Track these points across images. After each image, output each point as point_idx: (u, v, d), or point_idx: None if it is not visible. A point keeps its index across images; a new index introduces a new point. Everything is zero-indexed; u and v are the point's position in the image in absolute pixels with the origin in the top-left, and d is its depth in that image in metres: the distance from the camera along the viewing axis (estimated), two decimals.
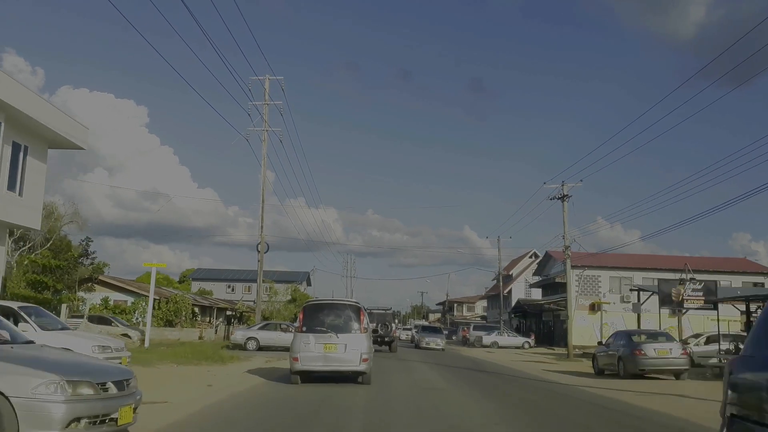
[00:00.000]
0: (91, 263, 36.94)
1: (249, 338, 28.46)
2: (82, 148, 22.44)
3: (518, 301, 59.64)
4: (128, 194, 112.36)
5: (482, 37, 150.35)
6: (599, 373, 19.87)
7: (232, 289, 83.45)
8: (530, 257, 70.70)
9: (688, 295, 22.69)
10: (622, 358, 17.59)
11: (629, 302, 46.06)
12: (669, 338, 18.18)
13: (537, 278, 60.04)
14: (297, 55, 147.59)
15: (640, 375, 17.41)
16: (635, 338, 18.10)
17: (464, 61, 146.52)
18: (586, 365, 25.52)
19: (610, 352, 18.93)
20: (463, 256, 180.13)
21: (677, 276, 46.60)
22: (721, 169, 68.77)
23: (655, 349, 17.01)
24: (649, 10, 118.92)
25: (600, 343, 20.36)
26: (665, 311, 44.76)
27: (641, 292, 33.27)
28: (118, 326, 28.76)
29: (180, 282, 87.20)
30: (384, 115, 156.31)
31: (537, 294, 61.26)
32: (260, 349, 27.71)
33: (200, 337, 34.37)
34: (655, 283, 42.66)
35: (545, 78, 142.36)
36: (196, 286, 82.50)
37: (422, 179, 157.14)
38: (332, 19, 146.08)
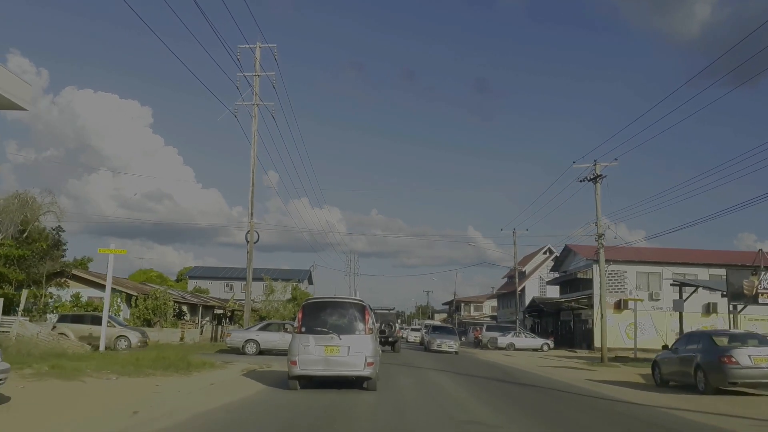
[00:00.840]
0: (62, 256, 32.88)
1: (248, 341, 24.37)
2: (23, 109, 18.53)
3: (533, 300, 55.46)
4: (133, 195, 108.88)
5: (488, 37, 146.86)
6: (662, 384, 15.78)
7: (231, 288, 79.69)
8: (544, 253, 66.60)
9: (764, 288, 18.49)
10: (703, 367, 13.45)
11: (658, 299, 41.99)
12: (763, 341, 14.00)
13: (553, 275, 55.89)
14: (301, 55, 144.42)
15: (723, 390, 13.30)
16: (718, 341, 13.93)
17: (470, 62, 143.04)
18: (629, 372, 21.47)
19: (678, 358, 14.84)
20: (468, 257, 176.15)
21: (711, 270, 43.04)
22: (729, 169, 65.36)
23: (749, 356, 12.85)
24: (656, 11, 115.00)
25: (665, 347, 16.19)
26: (698, 309, 40.83)
27: (683, 288, 29.01)
28: (114, 326, 24.73)
29: (177, 281, 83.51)
30: (388, 116, 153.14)
31: (552, 292, 57.19)
32: (261, 353, 23.71)
33: (181, 339, 30.32)
34: (687, 278, 38.58)
35: (550, 79, 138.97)
36: (192, 284, 78.93)
37: (426, 179, 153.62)
38: (337, 19, 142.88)
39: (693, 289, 29.64)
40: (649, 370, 22.18)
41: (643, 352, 32.11)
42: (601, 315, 27.58)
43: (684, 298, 28.81)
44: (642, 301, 35.25)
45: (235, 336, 25.40)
